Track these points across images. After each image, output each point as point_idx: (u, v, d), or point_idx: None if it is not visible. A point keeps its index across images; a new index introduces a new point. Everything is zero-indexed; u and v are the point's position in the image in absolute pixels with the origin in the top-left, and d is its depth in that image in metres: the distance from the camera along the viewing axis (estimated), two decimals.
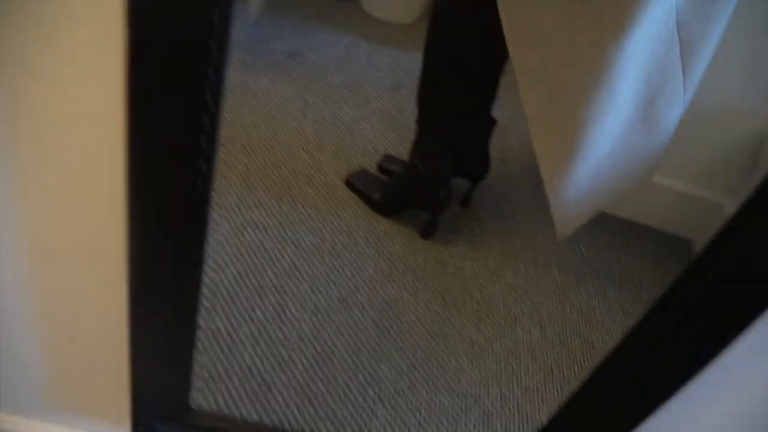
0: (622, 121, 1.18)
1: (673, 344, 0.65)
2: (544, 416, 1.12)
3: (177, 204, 0.57)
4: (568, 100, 1.15)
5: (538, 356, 1.23)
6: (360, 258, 1.31)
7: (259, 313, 1.13)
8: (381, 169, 1.55)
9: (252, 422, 0.92)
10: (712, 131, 1.57)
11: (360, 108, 1.75)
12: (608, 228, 1.64)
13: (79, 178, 0.59)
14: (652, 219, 1.69)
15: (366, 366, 1.11)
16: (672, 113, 1.22)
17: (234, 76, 1.71)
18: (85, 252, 0.64)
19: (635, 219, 1.70)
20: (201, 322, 1.08)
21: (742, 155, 1.58)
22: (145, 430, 0.68)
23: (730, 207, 1.63)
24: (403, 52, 2.09)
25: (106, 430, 0.78)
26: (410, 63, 2.04)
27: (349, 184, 1.46)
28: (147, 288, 0.61)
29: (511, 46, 1.07)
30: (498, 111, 1.96)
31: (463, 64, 1.26)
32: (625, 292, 1.45)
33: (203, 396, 0.99)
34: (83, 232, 0.63)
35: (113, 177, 0.57)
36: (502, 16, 1.04)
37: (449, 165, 1.32)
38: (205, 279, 1.13)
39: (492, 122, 1.43)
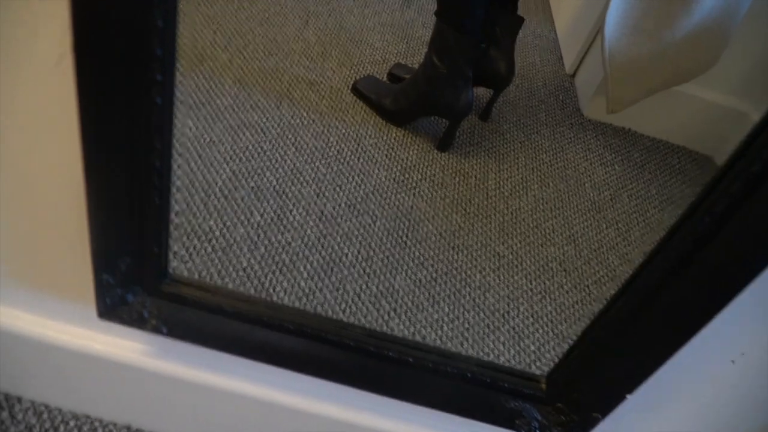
0: (704, 3, 1.06)
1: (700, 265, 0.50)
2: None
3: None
4: None
5: (572, 273, 1.09)
6: (370, 165, 1.16)
7: (257, 215, 0.99)
8: (391, 76, 1.39)
9: (241, 293, 0.76)
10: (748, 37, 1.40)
11: (367, 19, 1.59)
12: (643, 147, 1.49)
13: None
14: (689, 139, 1.54)
15: (379, 276, 0.97)
16: None
17: None
18: (38, 110, 0.49)
19: (672, 139, 1.54)
20: (192, 220, 0.93)
21: None
22: (113, 301, 0.54)
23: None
24: None
25: (70, 309, 0.64)
26: None
27: (356, 90, 1.30)
28: (98, 138, 0.46)
29: None
30: (523, 28, 1.80)
31: None
32: (666, 213, 1.31)
33: None
34: (35, 96, 0.48)
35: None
36: None
37: (472, 61, 1.16)
38: (198, 177, 0.98)
39: (519, 20, 1.27)
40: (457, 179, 1.20)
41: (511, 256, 1.08)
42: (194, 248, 0.90)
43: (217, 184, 1.01)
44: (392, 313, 0.92)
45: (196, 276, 0.87)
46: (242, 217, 0.97)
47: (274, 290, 0.89)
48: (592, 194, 1.28)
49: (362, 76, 1.38)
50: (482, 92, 1.44)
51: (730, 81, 1.46)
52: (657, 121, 1.52)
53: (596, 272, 1.11)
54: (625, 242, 1.19)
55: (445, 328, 0.93)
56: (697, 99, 1.48)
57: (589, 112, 1.52)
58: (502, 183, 1.22)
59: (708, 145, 1.53)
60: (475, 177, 1.22)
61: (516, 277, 1.05)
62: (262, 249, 0.94)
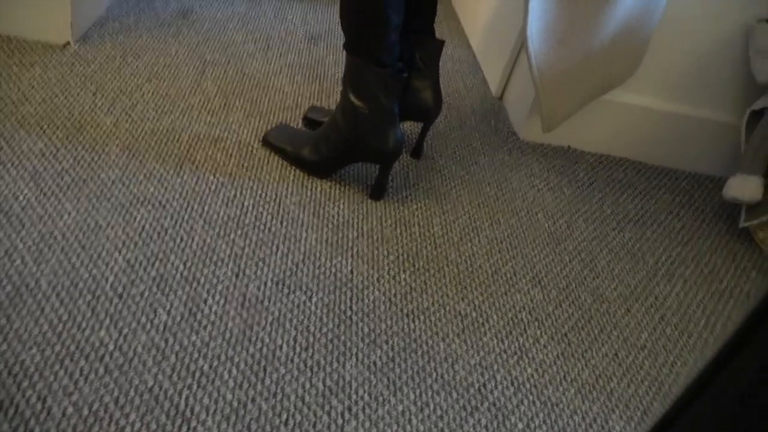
0: (622, 7, 1.01)
1: None
2: (571, 398, 0.83)
3: None
4: None
5: (545, 322, 0.94)
6: (296, 228, 0.98)
7: (162, 313, 0.79)
8: (307, 121, 1.23)
9: None
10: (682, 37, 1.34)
11: (272, 63, 1.43)
12: (587, 164, 1.38)
13: None
14: (631, 150, 1.45)
15: (324, 368, 0.79)
16: None
17: (109, 38, 1.35)
18: None
19: (613, 152, 1.45)
20: (76, 334, 0.73)
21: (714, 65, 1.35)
22: None
23: (712, 122, 1.41)
24: (316, 4, 1.78)
25: None
26: (325, 15, 1.74)
27: (268, 143, 1.13)
28: None
29: None
30: (442, 57, 1.68)
31: None
32: (626, 232, 1.19)
33: None
34: None
35: None
36: None
37: (396, 94, 1.01)
38: (82, 275, 0.78)
39: (439, 44, 1.14)
40: (399, 230, 1.04)
41: (474, 314, 0.92)
42: (81, 372, 0.70)
43: (107, 279, 0.81)
44: (347, 413, 0.74)
45: (86, 410, 0.66)
46: (143, 320, 0.78)
47: (192, 412, 0.69)
48: (546, 224, 1.15)
49: (273, 125, 1.21)
50: (410, 127, 1.30)
51: (657, 84, 1.39)
52: (595, 135, 1.43)
53: (570, 316, 0.97)
54: (592, 274, 1.06)
55: (414, 420, 0.76)
56: (628, 106, 1.39)
57: (525, 134, 1.41)
58: (449, 227, 1.07)
59: (648, 153, 1.45)
60: (419, 225, 1.06)
61: (485, 339, 0.89)
62: (173, 358, 0.74)
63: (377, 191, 1.09)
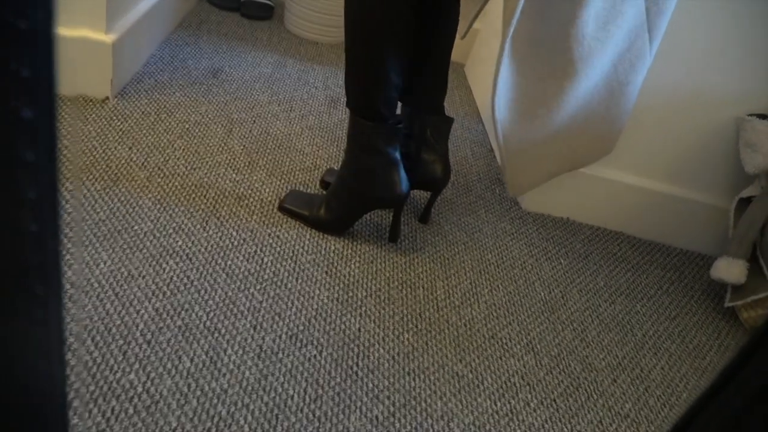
0: (586, 85, 1.09)
1: None
2: None
3: None
4: (541, 58, 1.04)
5: (536, 387, 1.01)
6: (310, 285, 1.07)
7: (186, 360, 0.87)
8: (324, 184, 1.33)
9: None
10: (677, 123, 1.44)
11: (294, 124, 1.54)
12: (584, 237, 1.46)
13: None
14: (627, 225, 1.54)
15: (331, 418, 0.86)
16: (635, 77, 1.14)
17: (145, 95, 1.46)
18: None
19: (609, 226, 1.54)
20: (109, 376, 0.81)
21: (708, 149, 1.45)
22: None
23: (704, 205, 1.50)
24: (336, 69, 1.90)
25: None
26: None
27: (284, 209, 1.22)
28: None
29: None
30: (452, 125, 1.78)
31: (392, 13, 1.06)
32: (617, 305, 1.27)
33: None
34: None
35: None
36: None
37: (396, 143, 1.11)
38: (115, 321, 0.86)
39: (449, 121, 1.24)
40: (405, 291, 1.12)
41: (470, 375, 0.99)
42: (112, 411, 0.77)
43: (138, 326, 0.89)
44: None
45: None
46: (169, 365, 0.85)
47: None
48: (542, 293, 1.23)
49: (292, 186, 1.30)
50: (419, 194, 1.40)
51: (653, 166, 1.48)
52: (593, 209, 1.52)
53: (560, 382, 1.04)
54: (583, 344, 1.14)
55: None
56: (625, 185, 1.49)
57: (526, 204, 1.50)
58: (451, 291, 1.15)
59: (643, 228, 1.53)
60: (423, 287, 1.14)
61: (479, 399, 0.96)
62: (194, 402, 0.82)
63: (393, 235, 1.19)
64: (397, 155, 1.12)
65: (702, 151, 1.46)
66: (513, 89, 1.10)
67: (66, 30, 1.29)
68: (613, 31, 1.05)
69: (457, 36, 1.21)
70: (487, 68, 1.95)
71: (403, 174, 1.13)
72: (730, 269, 1.26)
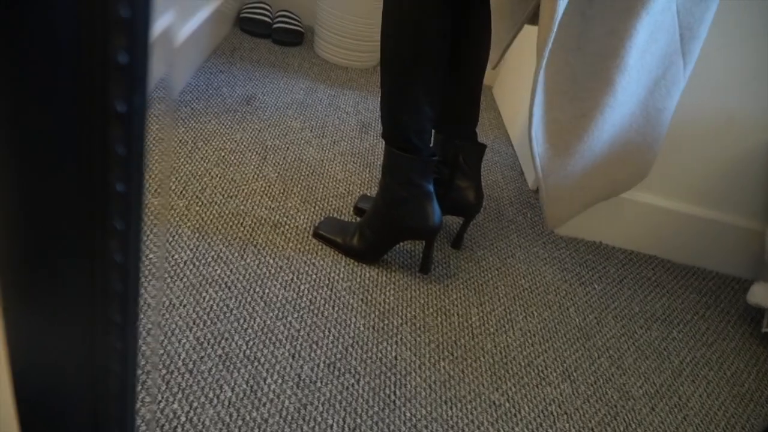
0: (623, 113, 1.09)
1: None
2: None
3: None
4: (578, 89, 1.04)
5: (574, 416, 1.01)
6: (346, 313, 1.08)
7: (227, 389, 0.88)
8: (358, 210, 1.34)
9: None
10: (713, 145, 1.43)
11: (327, 150, 1.56)
12: (617, 261, 1.46)
13: None
14: (660, 248, 1.52)
15: None
16: (671, 103, 1.13)
17: (182, 123, 1.50)
18: None
19: (643, 250, 1.53)
20: (153, 406, 0.83)
21: (743, 171, 1.44)
22: None
23: (738, 228, 1.48)
24: (367, 93, 1.93)
25: None
26: (375, 104, 1.88)
27: (319, 235, 1.24)
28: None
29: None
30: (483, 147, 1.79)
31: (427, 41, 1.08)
32: (653, 331, 1.26)
33: None
34: None
35: None
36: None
37: (430, 176, 1.13)
38: (158, 350, 0.88)
39: (481, 148, 1.25)
40: (440, 319, 1.12)
41: (507, 404, 0.99)
42: None
43: (180, 356, 0.91)
44: None
45: None
46: (210, 394, 0.87)
47: None
48: (577, 319, 1.23)
49: (326, 213, 1.32)
50: (452, 219, 1.41)
51: (686, 188, 1.47)
52: (626, 232, 1.51)
53: (597, 411, 1.03)
54: (619, 371, 1.13)
55: None
56: (658, 208, 1.48)
57: (559, 228, 1.50)
58: (485, 318, 1.16)
59: (677, 252, 1.52)
60: (458, 314, 1.15)
61: (516, 429, 0.96)
62: (235, 431, 0.83)
63: (425, 266, 1.20)
64: (431, 187, 1.13)
65: (735, 173, 1.45)
66: (550, 123, 1.11)
67: None
68: (648, 59, 1.05)
69: (489, 66, 1.22)
70: (515, 90, 1.96)
71: (436, 206, 1.14)
72: (766, 295, 1.25)
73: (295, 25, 2.16)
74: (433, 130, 1.18)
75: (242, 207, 1.27)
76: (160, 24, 1.39)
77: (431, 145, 1.17)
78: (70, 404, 0.39)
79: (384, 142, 1.15)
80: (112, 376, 0.39)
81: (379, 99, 1.13)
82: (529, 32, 1.87)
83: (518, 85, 1.95)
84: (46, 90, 0.19)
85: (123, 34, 0.19)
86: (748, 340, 1.31)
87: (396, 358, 1.02)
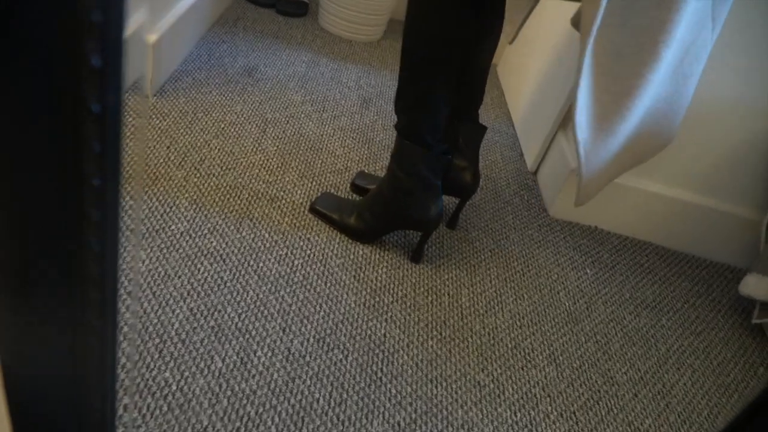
0: (658, 85, 1.05)
1: None
2: None
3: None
4: (622, 68, 1.00)
5: (557, 398, 1.03)
6: (338, 289, 1.09)
7: (218, 360, 0.90)
8: (355, 187, 1.35)
9: None
10: (713, 134, 1.43)
11: (326, 125, 1.56)
12: (611, 247, 1.47)
13: None
14: (656, 235, 1.53)
15: (354, 423, 0.89)
16: (698, 68, 1.08)
17: (183, 93, 1.50)
18: None
19: (638, 236, 1.53)
20: (145, 373, 0.84)
21: (743, 159, 1.44)
22: None
23: (735, 217, 1.49)
24: (369, 68, 1.92)
25: None
26: (378, 79, 1.87)
27: (315, 210, 1.25)
28: None
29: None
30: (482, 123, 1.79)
31: (445, 51, 1.08)
32: (642, 318, 1.27)
33: None
34: None
35: None
36: None
37: (440, 172, 1.13)
38: (152, 320, 0.90)
39: (482, 129, 1.25)
40: (430, 298, 1.14)
41: (492, 385, 1.01)
42: (147, 408, 0.81)
43: (173, 326, 0.93)
44: None
45: None
46: (201, 365, 0.89)
47: None
48: (567, 304, 1.24)
49: (323, 188, 1.33)
50: (448, 200, 1.41)
51: (684, 176, 1.47)
52: (621, 218, 1.52)
53: (581, 395, 1.05)
54: (605, 356, 1.15)
55: None
56: (655, 194, 1.48)
57: (554, 211, 1.51)
58: (476, 299, 1.17)
59: (672, 239, 1.53)
60: (448, 294, 1.16)
61: (499, 409, 0.98)
62: (225, 402, 0.85)
63: (417, 255, 1.20)
64: (439, 183, 1.13)
65: (734, 162, 1.45)
66: (594, 105, 1.08)
67: None
68: (675, 24, 1.01)
69: (506, 41, 1.21)
70: (520, 69, 1.95)
71: (440, 202, 1.14)
72: (758, 286, 1.26)
73: None
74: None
75: (240, 180, 1.28)
76: (134, 20, 1.38)
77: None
78: (56, 402, 0.40)
79: (396, 132, 1.14)
80: (92, 378, 0.40)
81: (396, 91, 1.12)
82: (542, 6, 1.85)
83: (523, 64, 1.94)
84: (21, 94, 0.20)
85: (95, 38, 0.19)
86: (738, 331, 1.33)
87: (385, 336, 1.03)
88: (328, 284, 1.10)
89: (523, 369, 1.06)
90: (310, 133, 1.51)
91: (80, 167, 0.23)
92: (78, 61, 0.20)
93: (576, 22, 1.20)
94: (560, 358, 1.11)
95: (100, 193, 0.24)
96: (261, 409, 0.86)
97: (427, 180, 1.12)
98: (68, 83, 0.20)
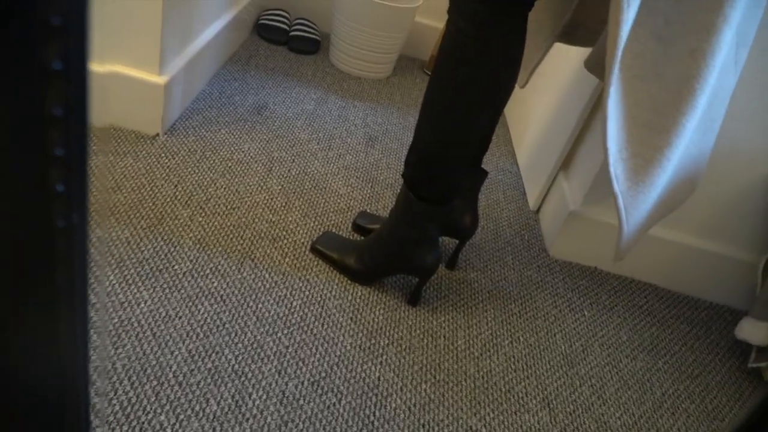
0: (691, 129, 1.02)
1: None
2: None
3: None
4: (660, 119, 0.97)
5: None
6: (334, 331, 1.12)
7: (213, 403, 0.93)
8: (356, 227, 1.38)
9: None
10: (717, 178, 1.44)
11: (331, 163, 1.60)
12: (610, 288, 1.48)
13: None
14: (656, 276, 1.54)
15: None
16: (722, 113, 1.06)
17: (192, 132, 1.54)
18: None
19: (638, 277, 1.54)
20: (141, 416, 0.87)
21: (745, 204, 1.45)
22: None
23: (734, 260, 1.49)
24: (376, 106, 1.96)
25: None
26: (384, 117, 1.91)
27: (316, 250, 1.28)
28: None
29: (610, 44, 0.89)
30: (486, 163, 1.82)
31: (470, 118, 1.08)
32: (639, 361, 1.28)
33: None
34: None
35: None
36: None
37: (440, 221, 1.15)
38: (150, 361, 0.93)
39: (483, 174, 1.28)
40: (426, 341, 1.16)
41: (484, 430, 1.03)
42: None
43: (171, 368, 0.96)
44: None
45: None
46: (197, 407, 0.91)
47: None
48: (563, 347, 1.25)
49: (325, 228, 1.36)
50: (447, 240, 1.44)
51: (685, 219, 1.49)
52: (627, 261, 1.53)
53: None
54: (600, 401, 1.16)
55: None
56: (654, 238, 1.49)
57: (555, 251, 1.52)
58: (471, 341, 1.19)
59: (671, 280, 1.54)
60: (444, 336, 1.18)
61: None
62: None
63: (414, 299, 1.23)
64: (438, 232, 1.15)
65: (733, 206, 1.46)
66: (632, 158, 1.01)
67: (122, 69, 1.39)
68: (711, 70, 1.00)
69: (518, 85, 1.21)
70: (526, 109, 1.98)
71: (438, 250, 1.16)
72: (754, 331, 1.26)
73: (312, 33, 2.20)
74: None
75: (243, 219, 1.31)
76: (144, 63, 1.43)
77: None
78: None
79: (403, 181, 1.15)
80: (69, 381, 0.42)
81: (410, 146, 1.12)
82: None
83: (529, 103, 1.97)
84: None
85: (56, 42, 0.22)
86: (734, 374, 1.33)
87: (379, 379, 1.05)
88: (325, 326, 1.12)
89: (516, 414, 1.08)
90: (315, 171, 1.54)
91: (44, 170, 0.25)
92: (39, 65, 0.22)
93: (591, 65, 1.20)
94: (554, 402, 1.12)
95: (65, 197, 0.27)
96: None
97: (428, 231, 1.14)
98: (29, 87, 0.23)
